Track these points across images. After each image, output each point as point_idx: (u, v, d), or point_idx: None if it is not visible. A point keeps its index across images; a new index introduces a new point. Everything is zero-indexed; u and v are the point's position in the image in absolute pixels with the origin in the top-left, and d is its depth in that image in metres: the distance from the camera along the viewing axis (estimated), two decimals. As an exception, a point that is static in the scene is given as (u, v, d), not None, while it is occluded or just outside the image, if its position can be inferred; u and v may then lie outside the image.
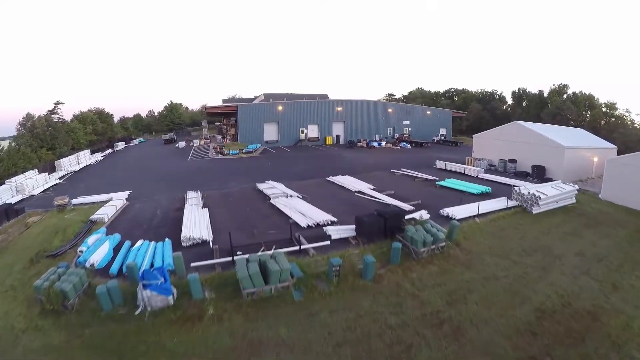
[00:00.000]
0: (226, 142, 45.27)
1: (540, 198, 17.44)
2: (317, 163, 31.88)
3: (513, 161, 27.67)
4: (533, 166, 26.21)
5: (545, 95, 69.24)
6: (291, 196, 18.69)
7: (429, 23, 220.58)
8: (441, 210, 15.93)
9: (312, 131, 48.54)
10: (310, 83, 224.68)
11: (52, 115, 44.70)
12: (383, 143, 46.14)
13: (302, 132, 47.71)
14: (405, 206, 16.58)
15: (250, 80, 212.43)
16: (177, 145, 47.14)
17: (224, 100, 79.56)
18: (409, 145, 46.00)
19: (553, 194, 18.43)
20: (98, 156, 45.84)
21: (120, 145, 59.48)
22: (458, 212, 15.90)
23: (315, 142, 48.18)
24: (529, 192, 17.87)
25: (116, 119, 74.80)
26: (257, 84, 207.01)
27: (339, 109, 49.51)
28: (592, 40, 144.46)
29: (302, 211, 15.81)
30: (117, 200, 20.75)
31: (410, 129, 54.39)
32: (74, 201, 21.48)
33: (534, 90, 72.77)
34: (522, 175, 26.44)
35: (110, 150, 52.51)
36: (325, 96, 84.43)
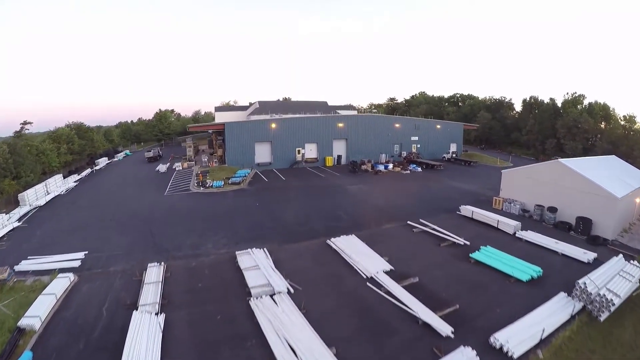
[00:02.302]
0: (212, 166, 40.31)
1: (613, 303, 12.80)
2: (314, 204, 26.89)
3: (553, 210, 22.80)
4: (578, 218, 21.41)
5: (558, 104, 64.56)
6: (279, 292, 13.91)
7: (431, 24, 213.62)
8: (492, 339, 11.14)
9: (310, 151, 43.62)
10: (309, 87, 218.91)
11: (18, 139, 39.70)
12: (390, 165, 41.13)
13: (299, 153, 42.80)
14: (440, 326, 11.76)
15: (247, 84, 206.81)
16: (157, 169, 42.00)
17: (217, 109, 74.27)
18: (419, 168, 41.03)
19: (625, 290, 13.88)
20: (71, 181, 41.01)
21: (102, 161, 54.70)
22: (514, 337, 11.14)
23: (314, 164, 43.28)
24: (598, 293, 13.18)
25: (107, 123, 70.11)
26: (254, 88, 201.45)
27: (340, 125, 44.48)
28: (606, 46, 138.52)
29: (292, 342, 11.03)
30: (63, 277, 16.28)
31: (418, 146, 49.43)
32: (21, 265, 18.00)
33: (545, 98, 68.24)
34: (564, 229, 21.79)
35: (89, 171, 47.71)
36: (324, 103, 79.02)
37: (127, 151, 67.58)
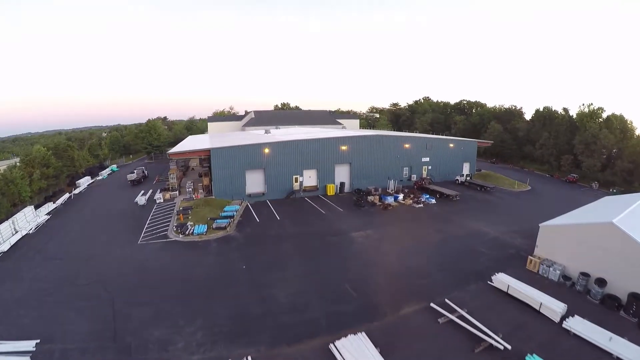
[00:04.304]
0: (197, 197, 36.09)
1: None
2: (313, 270, 22.07)
3: (602, 283, 18.65)
4: (630, 296, 17.39)
5: (573, 116, 60.37)
6: None
7: (434, 25, 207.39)
8: None
9: (309, 178, 39.35)
10: (309, 91, 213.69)
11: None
12: (400, 196, 36.85)
13: (296, 181, 38.55)
14: None
15: (245, 87, 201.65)
16: (136, 200, 37.65)
17: (209, 119, 69.83)
18: (433, 199, 36.76)
19: None
20: (44, 213, 36.86)
21: (84, 182, 50.54)
22: None
23: (313, 193, 39.04)
24: None
25: (106, 123, 66.15)
26: (253, 91, 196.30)
27: (343, 147, 40.14)
28: (620, 55, 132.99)
29: None
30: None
31: (429, 167, 45.15)
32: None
33: (558, 107, 64.00)
34: (612, 307, 17.87)
35: (67, 196, 43.60)
36: (324, 112, 74.66)
37: (114, 166, 63.33)
